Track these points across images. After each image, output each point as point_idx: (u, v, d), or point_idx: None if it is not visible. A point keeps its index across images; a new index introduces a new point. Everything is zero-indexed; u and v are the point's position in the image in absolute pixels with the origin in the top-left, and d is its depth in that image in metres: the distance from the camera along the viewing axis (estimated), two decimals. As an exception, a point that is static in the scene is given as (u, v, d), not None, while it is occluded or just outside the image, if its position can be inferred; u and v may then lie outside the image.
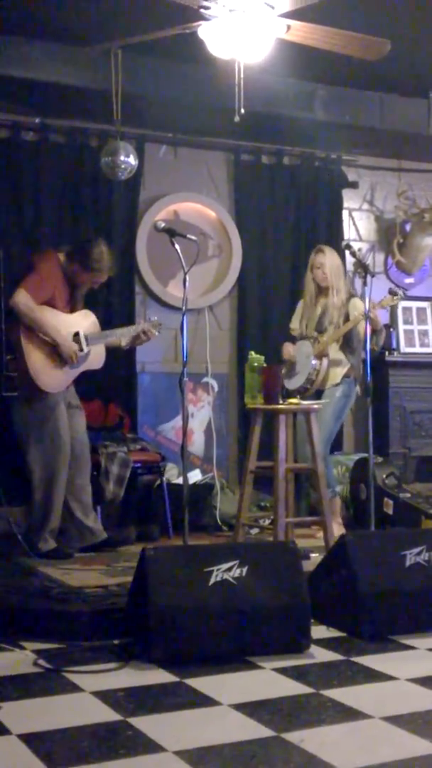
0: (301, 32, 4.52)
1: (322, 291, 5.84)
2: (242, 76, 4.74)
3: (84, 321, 5.27)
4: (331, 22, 4.55)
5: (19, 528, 5.19)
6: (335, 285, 5.77)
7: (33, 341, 5.02)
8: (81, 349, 5.14)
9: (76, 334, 5.15)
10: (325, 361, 5.71)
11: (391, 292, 5.60)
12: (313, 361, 5.69)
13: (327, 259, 5.78)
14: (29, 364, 4.99)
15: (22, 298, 4.95)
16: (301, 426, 5.48)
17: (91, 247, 5.21)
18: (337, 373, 5.76)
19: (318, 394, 5.77)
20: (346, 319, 5.74)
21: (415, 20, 5.49)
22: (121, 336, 5.44)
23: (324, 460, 5.59)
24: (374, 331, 5.61)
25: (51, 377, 5.06)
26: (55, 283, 5.13)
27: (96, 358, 5.29)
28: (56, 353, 5.07)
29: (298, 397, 5.50)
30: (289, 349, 5.86)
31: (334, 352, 5.76)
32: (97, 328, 5.35)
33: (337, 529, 5.45)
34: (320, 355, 5.72)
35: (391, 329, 7.25)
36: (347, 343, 5.77)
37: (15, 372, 5.08)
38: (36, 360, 5.01)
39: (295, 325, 6.01)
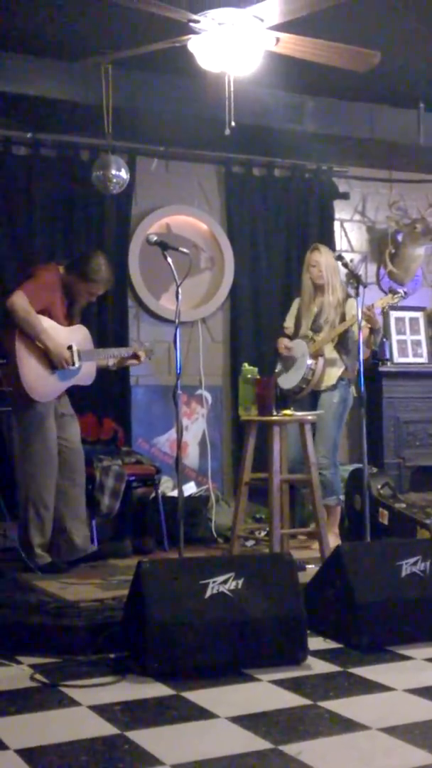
0: (290, 45, 4.54)
1: (318, 290, 5.83)
2: (232, 88, 4.75)
3: (78, 336, 5.26)
4: (320, 35, 4.57)
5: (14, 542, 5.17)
6: (331, 282, 5.77)
7: (26, 347, 4.99)
8: (72, 363, 5.13)
9: (69, 347, 5.15)
10: (320, 360, 5.69)
11: (391, 291, 5.60)
12: (309, 361, 5.67)
13: (322, 257, 5.78)
14: (21, 370, 4.94)
15: (20, 300, 4.93)
16: (292, 434, 5.47)
17: (90, 258, 5.22)
18: (333, 374, 5.73)
19: (313, 396, 5.76)
20: (342, 318, 5.73)
21: (405, 31, 5.52)
22: (111, 357, 5.44)
23: (331, 467, 5.67)
24: (372, 330, 5.63)
25: (41, 385, 5.03)
26: (53, 294, 5.13)
27: (87, 374, 5.26)
28: (48, 361, 5.05)
29: (292, 408, 5.49)
30: (285, 343, 5.84)
31: (329, 351, 5.75)
32: (91, 344, 5.34)
33: (333, 540, 5.45)
34: (316, 355, 5.70)
35: (384, 339, 7.26)
36: (342, 343, 5.74)
37: (4, 377, 5.01)
38: (28, 366, 4.98)
39: (289, 323, 6.00)
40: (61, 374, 5.11)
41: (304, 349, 5.74)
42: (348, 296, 5.82)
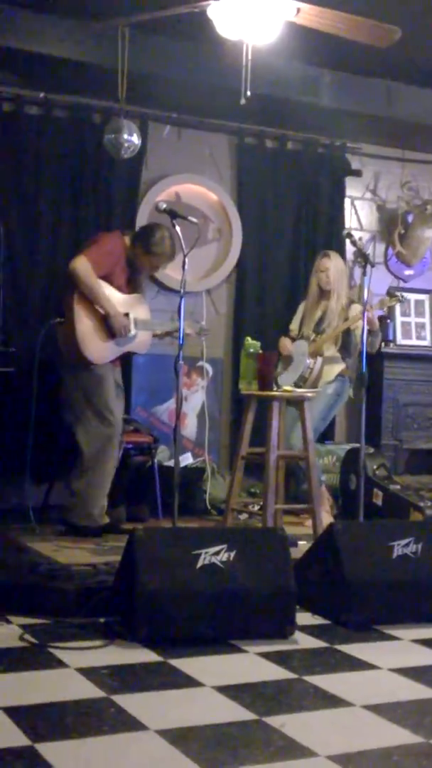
0: (310, 15, 4.49)
1: (323, 294, 5.87)
2: (249, 58, 4.71)
3: (135, 304, 5.31)
4: (341, 7, 4.52)
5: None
6: (337, 290, 5.81)
7: (85, 309, 5.05)
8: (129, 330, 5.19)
9: (126, 315, 5.18)
10: (319, 360, 5.73)
11: (389, 294, 5.61)
12: (308, 360, 5.72)
13: (332, 264, 5.82)
14: (77, 330, 5.01)
15: (82, 264, 4.99)
16: (290, 413, 5.47)
17: (153, 231, 5.26)
18: (332, 371, 5.77)
19: None
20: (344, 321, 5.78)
21: (427, 9, 5.45)
22: (162, 327, 5.47)
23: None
24: (370, 332, 5.61)
25: (96, 347, 5.09)
26: (115, 261, 5.18)
27: (141, 343, 5.34)
28: (105, 326, 5.10)
29: (293, 384, 5.49)
30: (286, 344, 5.89)
31: (331, 351, 5.78)
32: (148, 314, 5.39)
33: (325, 518, 5.47)
34: (315, 354, 5.73)
35: (389, 321, 7.24)
36: (345, 345, 5.80)
37: (61, 337, 5.09)
38: (84, 327, 5.04)
39: (294, 326, 6.04)
40: (116, 340, 5.17)
41: (304, 348, 5.79)
42: (351, 301, 5.85)
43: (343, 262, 5.95)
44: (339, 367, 5.78)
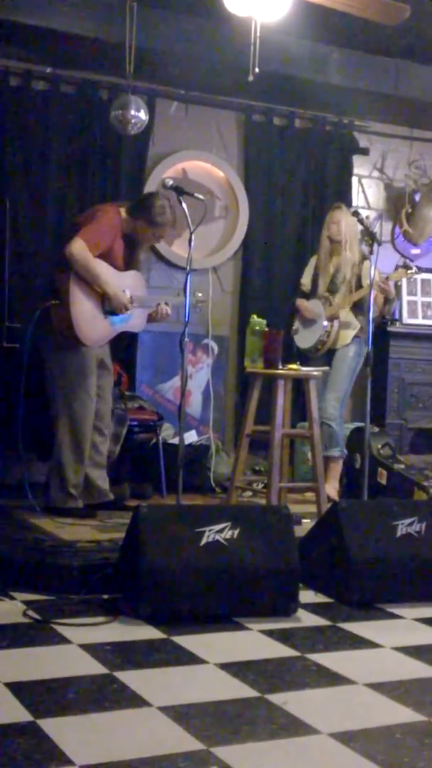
0: (320, -7, 4.46)
1: (335, 248, 5.88)
2: (258, 34, 4.68)
3: (131, 281, 5.18)
4: (351, -16, 4.50)
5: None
6: (349, 240, 5.82)
7: (81, 291, 4.93)
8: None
9: (122, 292, 5.12)
10: (336, 323, 5.82)
11: (405, 266, 5.65)
12: (325, 323, 5.79)
13: (344, 216, 5.83)
14: (73, 312, 4.88)
15: (78, 247, 4.86)
16: (318, 381, 5.52)
17: (153, 200, 5.11)
18: (348, 335, 5.86)
19: (329, 353, 5.86)
20: (358, 281, 5.79)
21: (436, -14, 5.42)
22: (158, 301, 5.36)
23: (337, 419, 5.79)
24: (386, 300, 5.68)
25: (92, 330, 4.98)
26: (112, 237, 5.04)
27: (137, 321, 5.22)
28: (102, 307, 5.00)
29: (298, 363, 5.49)
30: (306, 304, 5.93)
31: (345, 314, 5.85)
32: (144, 290, 5.28)
33: (333, 492, 5.54)
34: (332, 318, 5.80)
35: (396, 300, 7.22)
36: (358, 306, 5.82)
37: (56, 318, 4.95)
38: (81, 310, 4.92)
39: (305, 280, 6.05)
40: (112, 319, 5.07)
41: (321, 310, 5.84)
42: (364, 258, 5.83)
43: (353, 216, 5.77)
44: (354, 330, 5.86)
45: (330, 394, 5.78)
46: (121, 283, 5.08)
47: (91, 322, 4.97)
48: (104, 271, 4.98)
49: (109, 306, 5.00)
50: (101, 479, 5.25)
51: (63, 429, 5.06)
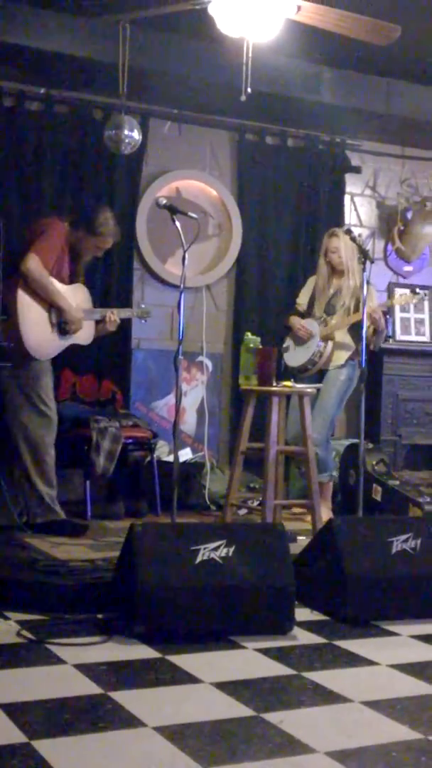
0: (311, 13, 4.49)
1: (335, 273, 5.84)
2: (250, 55, 4.70)
3: (78, 294, 5.23)
4: (341, 5, 4.52)
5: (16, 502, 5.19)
6: (350, 267, 5.75)
7: (28, 304, 4.94)
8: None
9: (76, 308, 5.12)
10: (330, 344, 5.72)
11: (412, 291, 5.65)
12: (319, 343, 5.71)
13: (341, 243, 5.75)
14: (22, 327, 4.90)
15: (34, 264, 4.90)
16: (295, 406, 5.49)
17: (96, 212, 5.18)
18: (342, 355, 5.76)
19: (321, 374, 5.78)
20: (357, 305, 5.68)
21: (426, 7, 5.45)
22: (104, 314, 5.37)
23: (323, 444, 5.66)
24: (375, 331, 5.64)
25: (42, 343, 5.00)
26: (62, 252, 5.09)
27: (86, 333, 5.24)
28: (50, 321, 5.01)
29: (292, 379, 5.50)
30: (298, 321, 5.83)
31: (341, 335, 5.76)
32: (90, 303, 5.32)
33: (326, 514, 5.49)
34: (326, 338, 5.73)
35: (388, 316, 7.24)
36: (355, 329, 5.68)
37: (4, 334, 4.91)
38: (30, 323, 4.93)
39: (302, 300, 5.99)
40: (61, 332, 5.09)
41: (316, 329, 5.76)
42: (367, 282, 5.79)
43: (350, 239, 5.71)
44: (349, 352, 5.76)
45: (317, 418, 5.60)
46: (70, 297, 5.12)
47: (41, 337, 4.99)
48: (59, 287, 5.02)
49: (63, 321, 5.03)
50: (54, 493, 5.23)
51: (22, 446, 5.06)
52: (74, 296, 5.18)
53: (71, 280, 5.21)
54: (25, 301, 4.94)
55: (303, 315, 5.90)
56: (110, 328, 5.37)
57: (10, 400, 5.08)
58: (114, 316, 5.35)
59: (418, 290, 5.89)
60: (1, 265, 5.44)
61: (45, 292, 4.96)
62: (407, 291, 5.81)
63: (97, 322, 5.34)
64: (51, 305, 5.02)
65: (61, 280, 5.09)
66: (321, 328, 5.75)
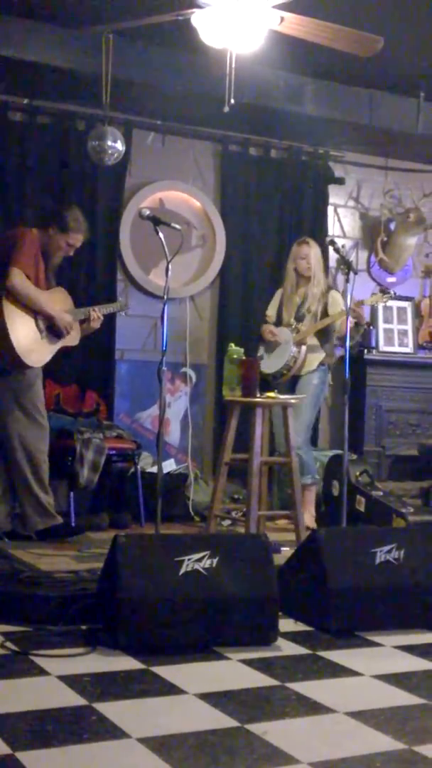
0: (294, 24, 4.51)
1: (301, 280, 6.04)
2: (234, 66, 4.72)
3: (59, 298, 5.23)
4: (324, 17, 4.55)
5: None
6: (317, 275, 6.00)
7: (14, 314, 4.94)
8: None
9: (64, 313, 5.14)
10: (303, 348, 5.92)
11: (381, 290, 5.78)
12: (293, 348, 5.88)
13: (312, 251, 6.01)
14: (12, 337, 4.89)
15: (18, 279, 4.91)
16: (277, 416, 5.55)
17: (66, 209, 5.18)
18: (314, 360, 5.96)
19: (293, 380, 5.95)
20: (324, 309, 5.95)
21: (409, 19, 5.49)
22: (86, 313, 5.37)
23: (303, 447, 5.80)
24: (358, 324, 5.78)
25: (34, 351, 5.00)
26: (37, 260, 5.08)
27: (74, 334, 5.25)
28: (37, 328, 5.02)
29: (276, 390, 5.51)
30: (272, 329, 6.03)
31: (310, 338, 5.96)
32: (71, 304, 5.33)
33: (309, 520, 5.55)
34: (299, 343, 5.90)
35: (371, 327, 7.27)
36: (323, 332, 5.98)
37: None
38: (19, 333, 4.93)
39: (271, 312, 6.18)
40: (49, 337, 5.09)
41: (288, 336, 5.94)
42: (329, 288, 6.02)
43: (319, 249, 6.10)
44: (320, 355, 5.98)
45: (293, 423, 5.67)
46: (52, 301, 5.12)
47: (31, 344, 4.99)
48: (44, 296, 5.04)
49: (52, 326, 5.05)
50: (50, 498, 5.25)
51: (19, 454, 5.06)
52: (56, 300, 5.18)
53: (47, 285, 5.19)
54: (11, 312, 4.93)
55: (274, 326, 6.09)
56: (95, 326, 5.37)
57: (5, 410, 5.07)
58: (97, 313, 5.36)
59: (387, 289, 6.03)
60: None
61: (33, 304, 4.97)
62: (377, 292, 5.95)
63: (82, 322, 5.35)
64: (38, 313, 5.02)
65: (40, 286, 5.08)
66: (293, 335, 5.91)
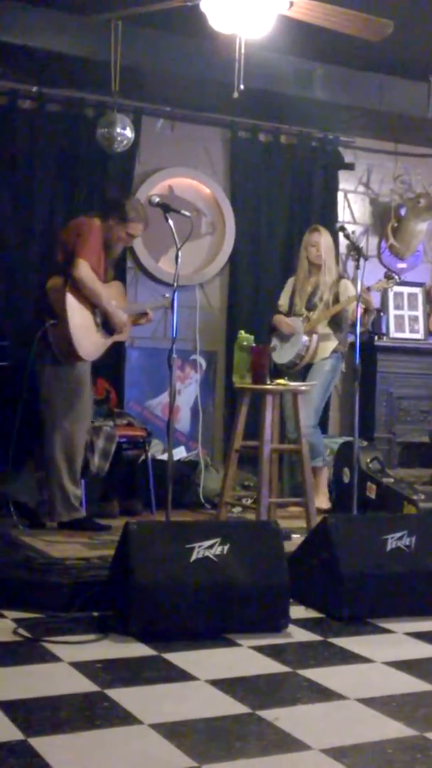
0: (303, 9, 4.48)
1: (313, 269, 6.01)
2: (243, 51, 4.70)
3: (115, 292, 5.28)
4: (333, 1, 4.52)
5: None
6: (328, 263, 5.97)
7: (77, 307, 4.98)
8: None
9: (121, 312, 5.19)
10: (314, 337, 5.91)
11: (387, 276, 5.74)
12: (304, 338, 5.87)
13: (322, 239, 5.97)
14: (72, 330, 4.93)
15: (86, 271, 4.93)
16: (288, 402, 5.58)
17: (124, 198, 5.21)
18: (327, 348, 5.95)
19: (306, 367, 5.94)
20: (336, 298, 5.93)
21: (418, 2, 5.45)
22: (140, 308, 5.47)
23: (312, 432, 5.76)
24: (366, 311, 5.76)
25: (89, 344, 5.06)
26: (101, 251, 5.11)
27: (126, 330, 5.32)
28: (96, 321, 5.07)
29: (286, 378, 5.51)
30: (284, 320, 6.01)
31: (322, 327, 5.95)
32: (125, 298, 5.36)
33: (324, 502, 5.55)
34: (310, 332, 5.89)
35: (382, 314, 7.26)
36: (334, 319, 5.96)
37: (54, 337, 4.98)
38: (78, 326, 4.98)
39: (283, 301, 6.16)
40: (104, 331, 5.15)
41: (299, 326, 5.93)
42: (341, 276, 6.02)
43: (331, 238, 6.07)
44: (332, 343, 5.96)
45: (304, 408, 5.67)
46: (109, 294, 5.15)
47: (88, 337, 5.05)
48: (105, 291, 5.08)
49: (108, 324, 5.10)
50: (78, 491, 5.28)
51: (57, 445, 5.09)
52: (113, 295, 5.21)
53: (106, 277, 5.21)
54: (73, 305, 4.96)
55: (285, 315, 6.07)
56: (145, 323, 5.56)
57: (52, 401, 5.10)
58: (151, 314, 5.49)
59: (393, 274, 6.00)
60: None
61: (96, 297, 5.01)
62: (382, 278, 5.91)
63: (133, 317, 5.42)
64: (95, 307, 5.05)
65: (100, 279, 5.09)
66: (304, 324, 5.90)
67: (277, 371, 5.83)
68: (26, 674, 3.17)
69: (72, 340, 4.93)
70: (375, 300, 6.02)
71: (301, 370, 5.95)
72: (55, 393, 5.08)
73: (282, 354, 5.96)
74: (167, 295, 5.69)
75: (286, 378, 5.49)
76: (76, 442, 5.12)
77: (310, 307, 5.97)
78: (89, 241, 4.99)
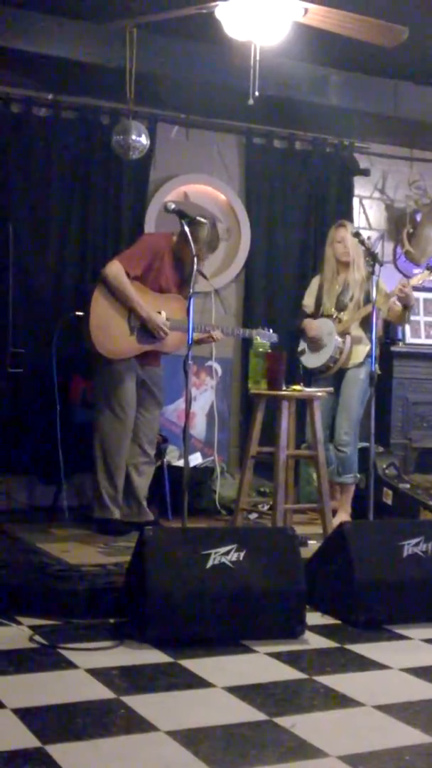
0: (318, 16, 4.49)
1: (341, 267, 5.77)
2: (258, 58, 4.70)
3: (170, 304, 5.29)
4: (348, 8, 4.52)
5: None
6: (356, 260, 5.68)
7: (102, 304, 5.09)
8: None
9: (158, 313, 5.21)
10: (348, 338, 5.66)
11: (429, 268, 5.63)
12: (337, 339, 5.64)
13: (348, 234, 5.67)
14: (91, 326, 5.06)
15: (114, 269, 5.08)
16: (324, 404, 5.47)
17: (195, 221, 5.14)
18: (360, 352, 5.68)
19: (339, 374, 5.71)
20: (367, 297, 5.61)
21: (434, 9, 5.45)
22: (198, 334, 5.38)
23: (352, 444, 5.69)
24: (406, 307, 5.62)
25: (109, 341, 5.12)
26: (154, 259, 5.20)
27: (171, 342, 5.31)
28: (130, 324, 5.14)
29: (302, 384, 5.48)
30: (314, 325, 5.75)
31: (355, 329, 5.70)
32: (183, 314, 5.30)
33: (345, 517, 5.49)
34: (343, 333, 5.66)
35: (413, 306, 7.15)
36: (367, 322, 5.60)
37: (80, 330, 5.17)
38: (98, 320, 5.08)
39: (308, 301, 5.91)
40: (140, 336, 5.19)
41: (331, 327, 5.69)
42: (371, 274, 5.74)
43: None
44: (365, 347, 5.64)
45: (343, 420, 5.62)
46: (158, 305, 5.22)
47: (108, 334, 5.11)
48: (140, 296, 5.14)
49: (146, 329, 5.16)
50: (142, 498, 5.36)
51: (95, 439, 5.23)
52: (163, 305, 5.25)
53: (179, 291, 5.30)
54: (102, 300, 5.10)
55: (312, 316, 5.84)
56: (210, 342, 5.59)
57: (95, 404, 5.26)
58: (218, 335, 5.49)
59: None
60: (13, 270, 5.55)
61: (123, 296, 5.11)
62: (423, 270, 5.79)
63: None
64: (132, 310, 5.14)
65: (159, 289, 5.22)
66: (336, 325, 5.68)
67: (309, 376, 5.71)
68: (42, 681, 3.17)
69: (90, 334, 5.07)
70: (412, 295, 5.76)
71: (333, 376, 5.72)
72: (96, 386, 5.27)
73: (312, 358, 5.74)
74: (270, 330, 5.61)
75: (301, 384, 5.45)
76: (114, 445, 5.18)
77: (341, 307, 5.72)
78: (134, 249, 5.26)
